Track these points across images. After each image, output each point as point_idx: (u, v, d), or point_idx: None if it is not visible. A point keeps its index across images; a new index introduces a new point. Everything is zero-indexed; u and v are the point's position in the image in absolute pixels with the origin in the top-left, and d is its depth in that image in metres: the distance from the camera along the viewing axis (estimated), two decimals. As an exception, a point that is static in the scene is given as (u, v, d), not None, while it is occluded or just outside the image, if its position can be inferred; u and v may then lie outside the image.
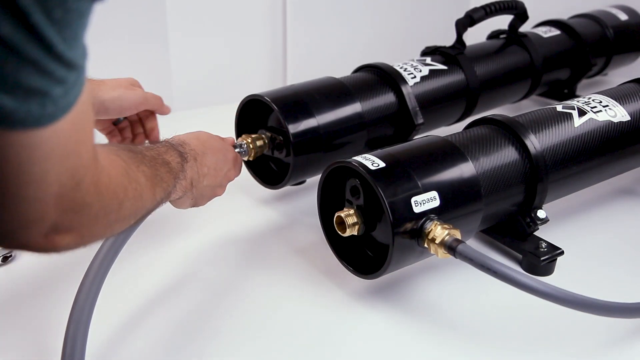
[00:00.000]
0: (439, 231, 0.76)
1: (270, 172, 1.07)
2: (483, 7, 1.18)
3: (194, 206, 0.83)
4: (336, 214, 0.83)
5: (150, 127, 0.97)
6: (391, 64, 1.12)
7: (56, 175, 0.44)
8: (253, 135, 1.00)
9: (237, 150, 0.94)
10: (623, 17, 1.48)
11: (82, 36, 0.41)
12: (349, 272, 0.85)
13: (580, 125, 0.95)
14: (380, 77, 1.10)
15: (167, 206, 0.74)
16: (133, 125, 0.97)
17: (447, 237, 0.75)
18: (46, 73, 0.39)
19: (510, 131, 0.91)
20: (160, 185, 0.64)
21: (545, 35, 1.35)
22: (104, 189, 0.50)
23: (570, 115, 0.96)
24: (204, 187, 0.81)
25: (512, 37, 1.30)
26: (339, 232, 0.83)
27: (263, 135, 1.00)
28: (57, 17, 0.38)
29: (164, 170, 0.66)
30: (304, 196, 1.11)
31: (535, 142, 0.90)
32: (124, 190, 0.54)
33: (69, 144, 0.43)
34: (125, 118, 0.95)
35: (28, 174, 0.42)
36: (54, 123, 0.41)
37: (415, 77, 1.11)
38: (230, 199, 0.95)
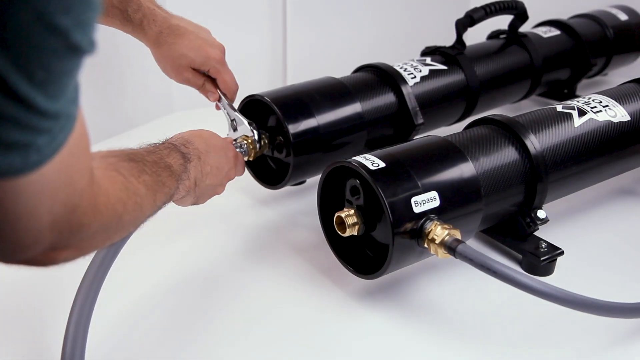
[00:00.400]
0: (439, 231, 0.76)
1: (270, 172, 1.07)
2: (483, 7, 1.18)
3: (194, 204, 0.83)
4: (336, 214, 0.83)
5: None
6: (391, 64, 1.12)
7: (47, 208, 0.44)
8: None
9: (237, 149, 0.94)
10: (623, 17, 1.48)
11: (72, 85, 0.40)
12: (349, 272, 0.85)
13: (580, 125, 0.95)
14: (380, 77, 1.10)
15: (167, 206, 0.74)
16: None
17: (447, 237, 0.75)
18: (28, 127, 0.38)
19: (510, 131, 0.91)
20: (161, 190, 0.64)
21: (545, 35, 1.35)
22: (103, 208, 0.50)
23: (570, 115, 0.96)
24: (206, 186, 0.80)
25: (512, 37, 1.30)
26: (339, 232, 0.83)
27: (263, 135, 1.00)
28: (40, 79, 0.37)
29: (165, 175, 0.66)
30: (304, 196, 1.11)
31: (535, 142, 0.90)
32: (123, 205, 0.54)
33: (59, 180, 0.43)
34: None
35: (16, 213, 0.42)
36: (40, 168, 0.40)
37: (415, 77, 1.11)
38: (230, 199, 0.95)
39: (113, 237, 0.56)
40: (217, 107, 1.01)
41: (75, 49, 0.38)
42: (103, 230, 0.51)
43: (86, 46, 0.38)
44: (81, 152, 0.45)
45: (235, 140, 0.96)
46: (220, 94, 0.99)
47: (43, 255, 0.47)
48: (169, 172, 0.67)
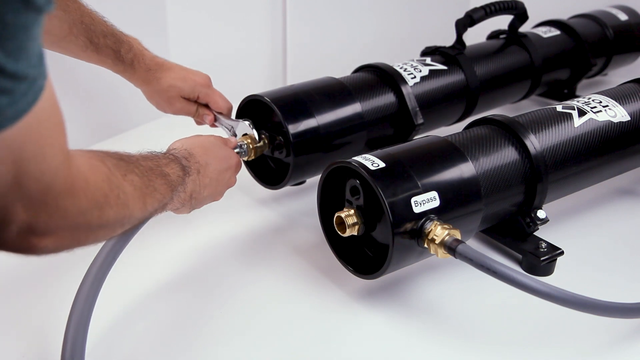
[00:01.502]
0: (439, 231, 0.76)
1: (270, 172, 1.07)
2: (483, 7, 1.18)
3: (192, 209, 0.83)
4: (336, 214, 0.83)
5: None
6: (391, 64, 1.12)
7: (14, 177, 0.44)
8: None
9: (236, 150, 0.94)
10: (623, 17, 1.48)
11: (34, 46, 0.41)
12: (349, 272, 0.85)
13: (580, 125, 0.95)
14: (380, 77, 1.10)
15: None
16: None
17: (447, 237, 0.75)
18: None
19: (510, 131, 0.91)
20: (152, 196, 0.63)
21: (545, 36, 1.35)
22: (81, 193, 0.50)
23: (570, 116, 0.96)
24: (203, 197, 0.81)
25: (512, 37, 1.30)
26: (339, 232, 0.83)
27: (263, 135, 1.00)
28: None
29: (160, 182, 0.66)
30: (304, 196, 1.11)
31: (535, 142, 0.90)
32: (104, 197, 0.53)
33: (25, 149, 0.44)
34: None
35: None
36: (2, 131, 0.41)
37: (415, 77, 1.11)
38: (229, 199, 0.95)
39: (97, 232, 0.55)
40: (214, 125, 1.02)
41: (29, 3, 0.39)
42: (83, 219, 0.51)
43: (41, 2, 0.39)
44: (53, 127, 0.46)
45: (239, 145, 0.97)
46: (215, 114, 1.01)
47: (20, 238, 0.47)
48: (164, 181, 0.67)
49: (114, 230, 0.58)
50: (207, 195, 0.81)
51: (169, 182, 0.68)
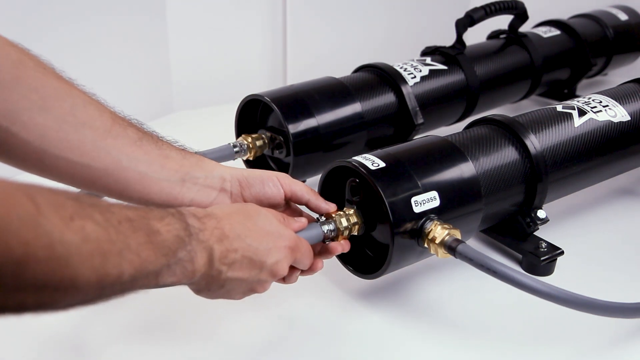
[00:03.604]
0: (439, 231, 0.76)
1: (270, 172, 1.07)
2: (483, 7, 1.18)
3: (224, 298, 0.67)
4: (336, 214, 0.83)
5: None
6: (391, 64, 1.12)
7: None
8: (253, 135, 1.00)
9: (236, 150, 0.92)
10: (623, 17, 1.48)
11: None
12: (349, 272, 0.85)
13: (580, 125, 0.95)
14: (380, 77, 1.10)
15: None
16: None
17: (447, 237, 0.75)
18: None
19: (510, 131, 0.91)
20: (122, 256, 0.48)
21: (545, 35, 1.35)
22: None
23: (570, 115, 0.96)
24: (232, 280, 0.63)
25: (512, 37, 1.30)
26: (339, 232, 0.83)
27: (263, 135, 1.00)
28: None
29: (139, 239, 0.50)
30: (304, 196, 1.11)
31: (535, 142, 0.90)
32: (24, 246, 0.40)
33: None
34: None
35: None
36: None
37: (415, 77, 1.12)
38: (230, 199, 0.95)
39: (16, 297, 0.41)
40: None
41: None
42: None
43: None
44: None
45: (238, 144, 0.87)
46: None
47: None
48: (148, 239, 0.51)
49: (53, 297, 0.43)
50: (236, 278, 0.63)
51: (159, 243, 0.52)
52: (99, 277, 0.46)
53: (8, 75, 0.62)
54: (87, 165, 0.66)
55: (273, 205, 0.75)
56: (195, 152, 0.77)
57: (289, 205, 0.79)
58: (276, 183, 0.75)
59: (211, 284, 0.61)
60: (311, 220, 0.77)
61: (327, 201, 0.78)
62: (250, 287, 0.66)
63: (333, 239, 0.77)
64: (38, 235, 0.41)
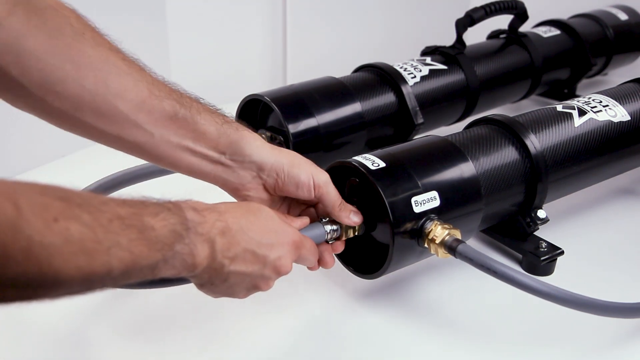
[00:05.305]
0: (439, 231, 0.76)
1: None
2: (483, 7, 1.18)
3: (226, 296, 0.66)
4: (336, 214, 0.83)
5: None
6: (391, 64, 1.12)
7: None
8: (253, 135, 1.00)
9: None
10: (623, 17, 1.48)
11: None
12: (349, 272, 0.85)
13: (581, 125, 0.95)
14: (380, 77, 1.10)
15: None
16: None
17: (447, 237, 0.75)
18: None
19: (510, 131, 0.91)
20: (110, 254, 0.48)
21: (545, 35, 1.35)
22: None
23: (570, 115, 0.96)
24: (234, 274, 0.62)
25: (512, 37, 1.30)
26: (339, 232, 0.83)
27: (263, 135, 1.00)
28: None
29: (130, 236, 0.50)
30: (304, 196, 1.11)
31: (535, 142, 0.90)
32: (2, 247, 0.41)
33: None
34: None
35: None
36: None
37: (415, 77, 1.12)
38: (230, 199, 0.95)
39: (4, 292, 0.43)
40: None
41: None
42: None
43: None
44: None
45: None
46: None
47: None
48: (140, 236, 0.51)
49: (36, 292, 0.45)
50: (238, 272, 0.62)
51: (152, 238, 0.52)
52: (85, 275, 0.46)
53: (43, 47, 0.62)
54: (119, 137, 0.67)
55: None
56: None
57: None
58: (310, 190, 0.73)
59: (214, 277, 0.61)
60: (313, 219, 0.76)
61: (353, 213, 0.76)
62: (254, 284, 0.65)
63: (337, 239, 0.76)
64: (16, 239, 0.41)
